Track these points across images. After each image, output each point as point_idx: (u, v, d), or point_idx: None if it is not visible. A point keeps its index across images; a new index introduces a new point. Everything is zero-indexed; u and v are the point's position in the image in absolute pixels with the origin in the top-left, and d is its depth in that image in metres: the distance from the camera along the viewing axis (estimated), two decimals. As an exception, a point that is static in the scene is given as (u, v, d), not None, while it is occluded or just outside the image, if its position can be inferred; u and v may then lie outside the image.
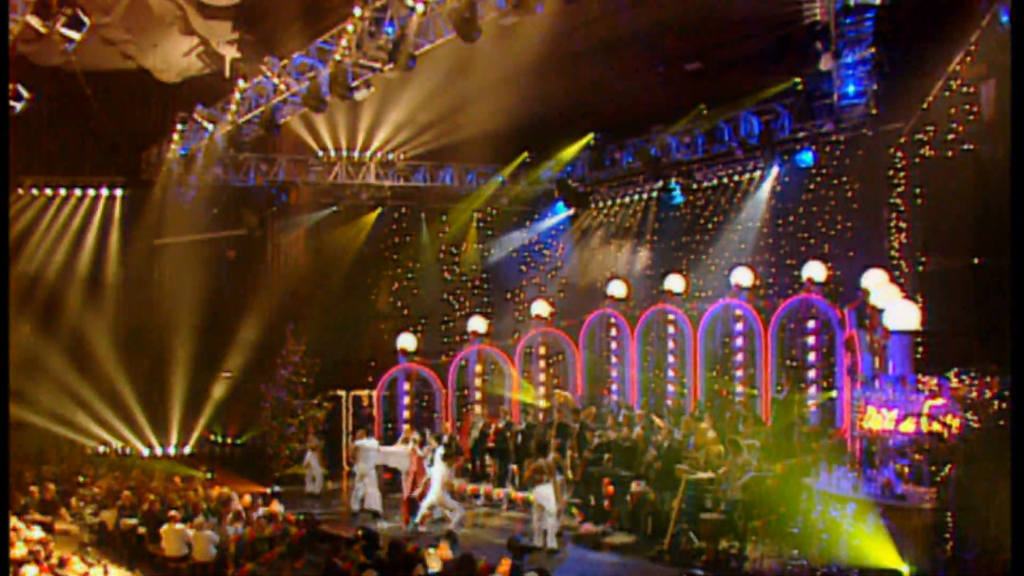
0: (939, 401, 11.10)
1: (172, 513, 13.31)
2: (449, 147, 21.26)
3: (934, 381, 11.49)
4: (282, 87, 13.65)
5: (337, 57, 12.28)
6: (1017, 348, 7.14)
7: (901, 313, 12.98)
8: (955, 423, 10.47)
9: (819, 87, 16.95)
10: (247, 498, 15.12)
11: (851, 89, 15.53)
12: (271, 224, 21.21)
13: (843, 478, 10.69)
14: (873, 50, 13.56)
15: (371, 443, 17.12)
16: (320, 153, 20.74)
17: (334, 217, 21.92)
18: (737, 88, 18.91)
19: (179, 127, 17.74)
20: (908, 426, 11.35)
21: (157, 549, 13.51)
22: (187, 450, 21.75)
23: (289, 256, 21.83)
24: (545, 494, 12.86)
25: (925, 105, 15.34)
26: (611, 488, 14.12)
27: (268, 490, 16.87)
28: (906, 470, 10.58)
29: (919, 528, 9.33)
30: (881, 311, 14.59)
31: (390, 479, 17.13)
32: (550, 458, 12.99)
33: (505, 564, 9.69)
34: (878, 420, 11.82)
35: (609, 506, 14.05)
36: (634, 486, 13.21)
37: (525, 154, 21.88)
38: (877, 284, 15.63)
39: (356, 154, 20.98)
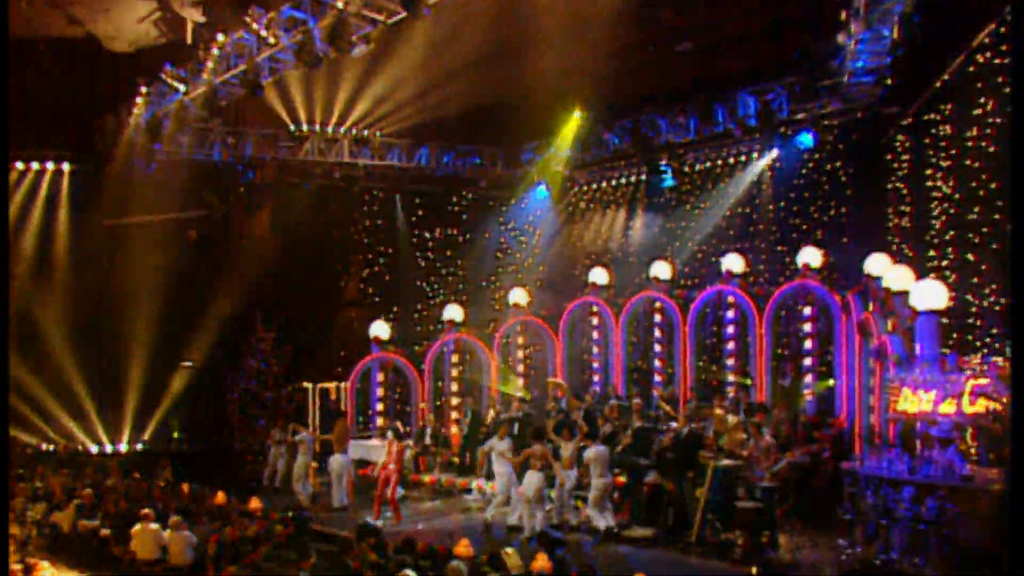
0: (983, 381, 10.52)
1: (145, 512, 11.96)
2: (427, 125, 20.20)
3: (976, 360, 10.93)
4: (271, 39, 12.36)
5: (340, 5, 11.13)
6: (1017, 348, 6.69)
7: (928, 292, 12.42)
8: (1004, 402, 9.88)
9: (823, 65, 16.45)
10: (221, 494, 13.81)
11: (861, 65, 14.99)
12: (236, 204, 19.81)
13: (896, 460, 10.01)
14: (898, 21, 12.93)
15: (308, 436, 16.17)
16: (292, 127, 19.40)
17: (304, 197, 20.60)
18: (733, 67, 18.40)
19: (144, 90, 16.20)
20: (948, 407, 10.76)
21: (125, 552, 12.15)
22: (139, 447, 20.16)
23: (255, 238, 20.45)
24: (532, 482, 11.96)
25: (939, 83, 14.95)
26: (621, 479, 13.26)
27: (247, 484, 15.49)
28: (972, 451, 9.99)
29: (989, 510, 8.68)
30: (896, 293, 14.12)
31: (366, 474, 15.99)
32: (538, 447, 12.10)
33: (541, 558, 8.78)
34: (915, 402, 11.20)
35: (619, 498, 13.19)
36: (650, 476, 12.37)
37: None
38: (887, 267, 15.22)
39: (330, 129, 19.71)
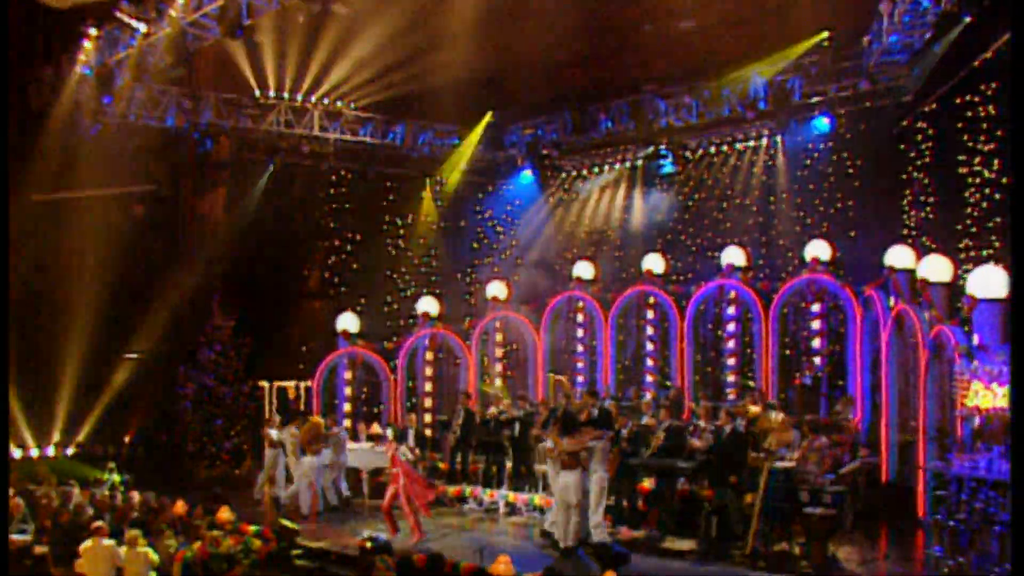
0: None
1: (97, 525, 9.92)
2: (404, 99, 18.47)
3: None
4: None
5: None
6: (1017, 349, 6.49)
7: (989, 280, 11.31)
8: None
9: (847, 44, 15.41)
10: (181, 504, 11.79)
11: (896, 39, 13.92)
12: (190, 178, 17.70)
13: (997, 460, 8.77)
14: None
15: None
16: (257, 93, 17.37)
17: (266, 174, 18.59)
18: (740, 47, 17.22)
19: (92, 32, 13.92)
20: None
21: (68, 573, 10.08)
22: (70, 451, 17.73)
23: (209, 218, 18.34)
24: (568, 483, 10.34)
25: (978, 62, 13.97)
26: (646, 485, 11.77)
27: (214, 491, 13.38)
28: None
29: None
30: (933, 284, 13.07)
31: (360, 479, 14.18)
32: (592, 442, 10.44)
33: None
34: (988, 397, 10.01)
35: (644, 506, 11.69)
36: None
37: (489, 115, 19.30)
38: (911, 259, 14.25)
39: (299, 98, 17.77)
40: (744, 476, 10.63)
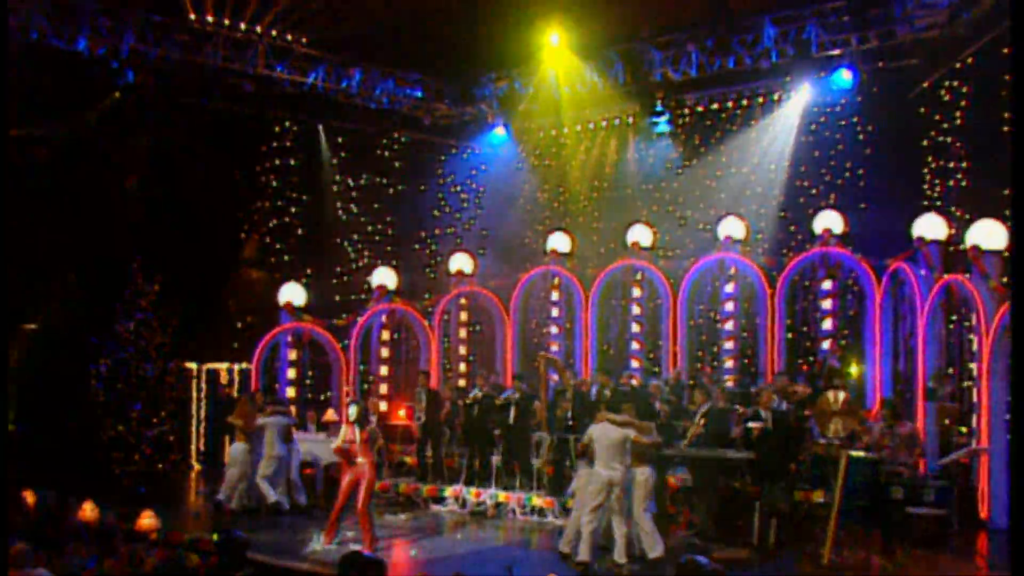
0: None
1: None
2: (362, 38, 16.01)
3: None
4: None
5: None
6: (1017, 349, 5.90)
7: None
8: None
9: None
10: (91, 507, 9.16)
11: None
12: (107, 117, 14.88)
13: None
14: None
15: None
16: (192, 17, 14.61)
17: (199, 119, 15.88)
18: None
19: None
20: None
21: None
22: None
23: (128, 168, 15.52)
24: (614, 482, 8.14)
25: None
26: (674, 482, 9.69)
27: (135, 490, 10.67)
28: None
29: None
30: (988, 252, 11.47)
31: (313, 476, 11.72)
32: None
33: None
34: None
35: (673, 507, 9.61)
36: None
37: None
38: (943, 229, 12.73)
39: (242, 26, 15.09)
40: (803, 470, 8.69)
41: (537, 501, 10.63)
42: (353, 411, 9.14)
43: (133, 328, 13.22)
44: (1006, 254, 11.58)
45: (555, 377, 13.41)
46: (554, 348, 16.17)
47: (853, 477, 8.02)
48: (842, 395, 9.17)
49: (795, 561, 8.19)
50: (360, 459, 9.02)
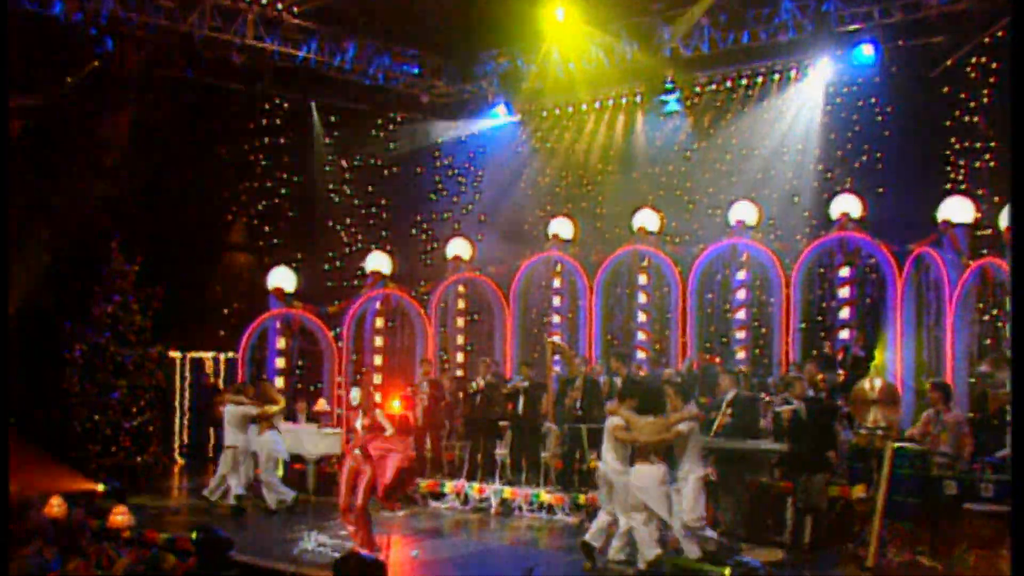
0: None
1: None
2: (359, 10, 15.19)
3: None
4: None
5: None
6: (1017, 349, 5.70)
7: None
8: None
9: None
10: (57, 502, 8.33)
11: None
12: (85, 88, 14.02)
13: None
14: None
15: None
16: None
17: (184, 93, 15.04)
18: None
19: None
20: None
21: None
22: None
23: (108, 144, 14.64)
24: (653, 477, 7.33)
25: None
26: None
27: (99, 486, 9.80)
28: None
29: None
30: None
31: (302, 470, 10.92)
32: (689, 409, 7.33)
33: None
34: None
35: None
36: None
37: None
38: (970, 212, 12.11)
39: (232, -6, 14.24)
40: (841, 462, 7.94)
41: (546, 497, 9.83)
42: (356, 395, 8.28)
43: (111, 311, 12.34)
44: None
45: (556, 369, 12.69)
46: (556, 338, 15.42)
47: (899, 470, 7.27)
48: (879, 382, 8.43)
49: (836, 563, 7.44)
50: (358, 450, 8.18)
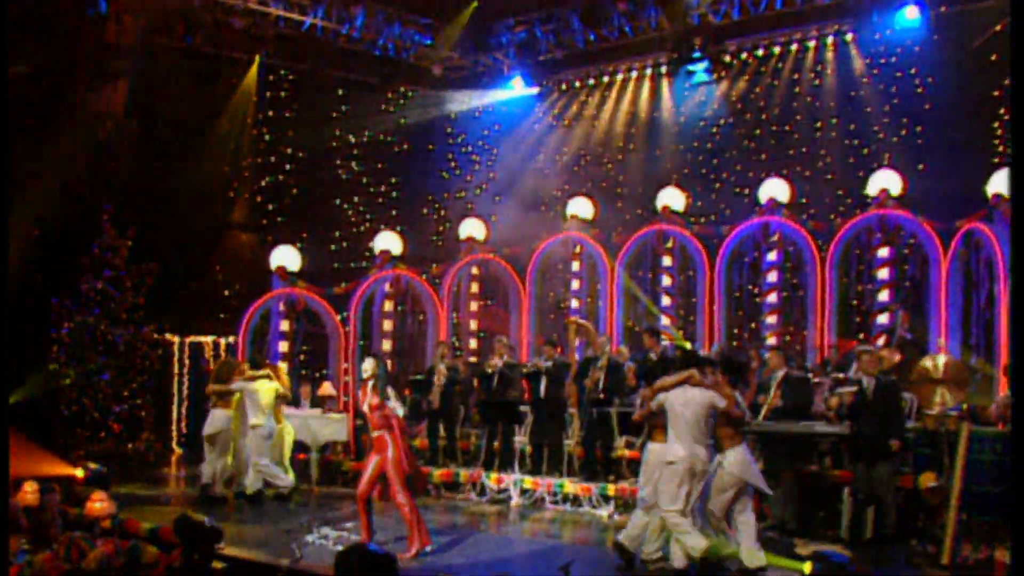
0: None
1: None
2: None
3: None
4: None
5: None
6: (1017, 348, 5.22)
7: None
8: None
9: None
10: (30, 488, 7.50)
11: None
12: (77, 56, 13.22)
13: None
14: None
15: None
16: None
17: (183, 63, 14.23)
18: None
19: None
20: None
21: None
22: None
23: (103, 115, 13.85)
24: (744, 453, 6.43)
25: None
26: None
27: (77, 470, 8.95)
28: None
29: None
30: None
31: (305, 459, 10.08)
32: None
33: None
34: None
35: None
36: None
37: (474, 3, 15.29)
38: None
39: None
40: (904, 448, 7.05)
41: (571, 488, 8.96)
42: (368, 366, 7.34)
43: (100, 287, 11.51)
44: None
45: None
46: (576, 317, 14.57)
47: (976, 455, 6.38)
48: (943, 359, 7.53)
49: (905, 559, 6.55)
50: (378, 431, 7.26)
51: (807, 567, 4.95)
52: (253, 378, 9.74)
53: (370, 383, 7.18)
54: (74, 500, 7.71)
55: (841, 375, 8.39)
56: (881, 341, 11.49)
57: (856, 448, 7.22)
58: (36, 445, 9.44)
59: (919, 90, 13.92)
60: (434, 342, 13.65)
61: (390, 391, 7.41)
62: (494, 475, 9.59)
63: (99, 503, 7.04)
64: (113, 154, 13.71)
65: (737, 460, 6.29)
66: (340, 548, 5.44)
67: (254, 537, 7.57)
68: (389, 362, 14.30)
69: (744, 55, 14.75)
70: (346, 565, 4.87)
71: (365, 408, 7.21)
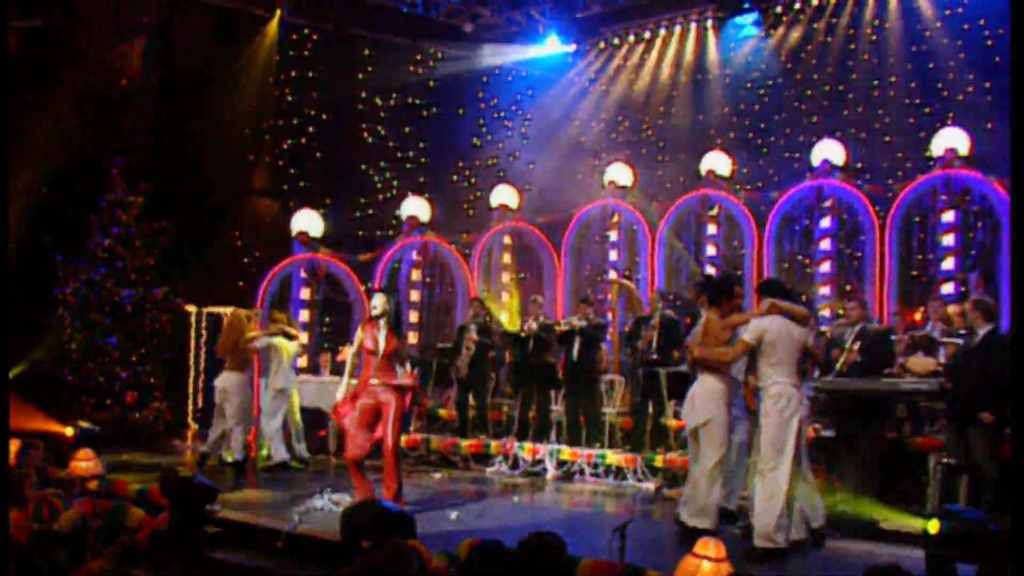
0: None
1: None
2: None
3: None
4: None
5: None
6: (1017, 348, 4.84)
7: None
8: None
9: None
10: (12, 445, 6.77)
11: None
12: (96, 16, 12.58)
13: None
14: None
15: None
16: None
17: (201, 23, 13.57)
18: None
19: None
20: None
21: None
22: None
23: (123, 76, 13.21)
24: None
25: None
26: (812, 431, 7.05)
27: (66, 429, 8.25)
28: None
29: None
30: None
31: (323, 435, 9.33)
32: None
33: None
34: None
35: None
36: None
37: None
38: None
39: None
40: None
41: (613, 459, 8.05)
42: (378, 302, 6.54)
43: (108, 244, 10.80)
44: None
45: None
46: (607, 297, 13.68)
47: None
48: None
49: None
50: (376, 380, 6.43)
51: (932, 525, 4.06)
52: (275, 334, 9.03)
53: (380, 321, 6.35)
54: (63, 461, 6.98)
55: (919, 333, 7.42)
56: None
57: (954, 408, 6.24)
58: (36, 408, 8.75)
59: (988, 43, 12.89)
60: (471, 297, 12.83)
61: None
62: (528, 445, 8.71)
63: (84, 462, 6.30)
64: (128, 111, 13.05)
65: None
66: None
67: (260, 502, 6.80)
68: (413, 335, 13.64)
69: (797, 5, 13.72)
70: (356, 522, 4.07)
71: (379, 348, 6.39)
